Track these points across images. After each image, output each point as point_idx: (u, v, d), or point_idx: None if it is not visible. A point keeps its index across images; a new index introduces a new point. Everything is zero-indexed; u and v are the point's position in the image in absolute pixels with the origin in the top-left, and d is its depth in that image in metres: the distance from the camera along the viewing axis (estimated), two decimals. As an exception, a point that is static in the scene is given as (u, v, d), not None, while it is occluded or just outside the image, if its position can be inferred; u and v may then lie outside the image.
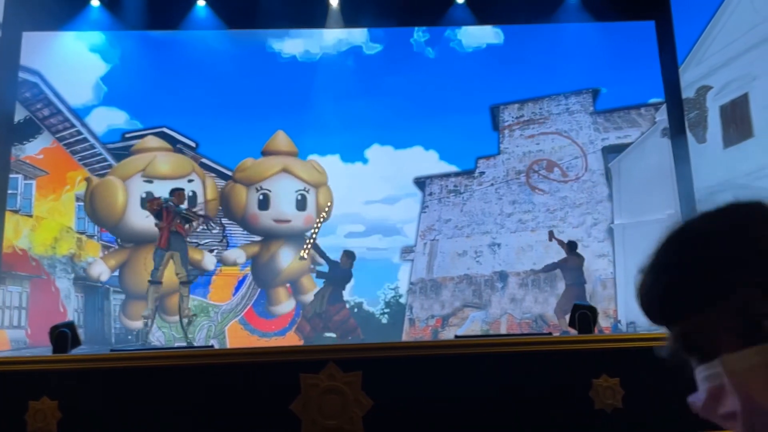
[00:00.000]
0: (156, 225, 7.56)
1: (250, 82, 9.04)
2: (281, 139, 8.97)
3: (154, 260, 7.59)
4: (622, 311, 8.45)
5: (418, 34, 9.19)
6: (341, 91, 8.91)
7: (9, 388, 3.35)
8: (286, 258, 8.79)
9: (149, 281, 7.60)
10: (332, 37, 9.17)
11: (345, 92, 8.91)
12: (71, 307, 8.46)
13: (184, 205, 7.70)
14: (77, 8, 8.84)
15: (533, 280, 8.68)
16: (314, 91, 8.96)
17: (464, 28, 9.15)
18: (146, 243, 8.33)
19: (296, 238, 8.85)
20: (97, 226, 8.73)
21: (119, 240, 8.72)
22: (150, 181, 8.65)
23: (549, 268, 8.63)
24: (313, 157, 8.99)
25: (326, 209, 8.82)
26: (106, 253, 8.67)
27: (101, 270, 8.57)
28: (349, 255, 8.62)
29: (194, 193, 8.71)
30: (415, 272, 8.81)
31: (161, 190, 8.38)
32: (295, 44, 9.17)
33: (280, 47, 9.19)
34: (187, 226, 7.63)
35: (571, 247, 8.59)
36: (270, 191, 8.83)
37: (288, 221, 8.86)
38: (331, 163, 8.95)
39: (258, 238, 8.86)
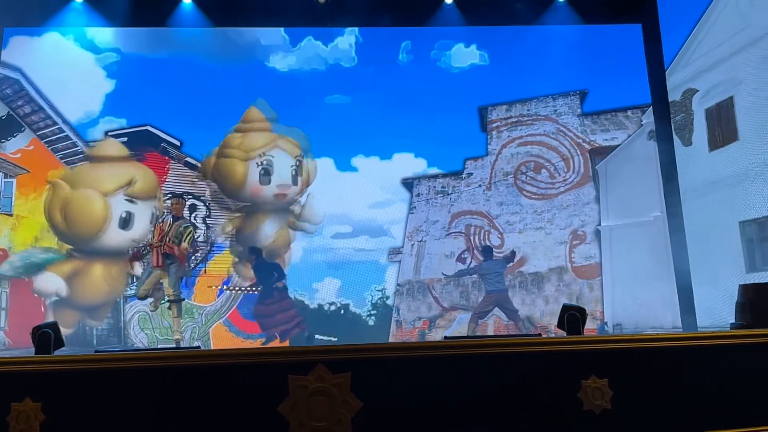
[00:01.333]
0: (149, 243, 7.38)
1: (237, 84, 9.00)
2: (255, 114, 8.96)
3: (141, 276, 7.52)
4: (609, 313, 8.51)
5: (403, 55, 9.20)
6: (331, 100, 8.99)
7: (-10, 389, 3.28)
8: (270, 230, 8.79)
9: (137, 297, 7.54)
10: (322, 54, 9.17)
11: (334, 101, 8.99)
12: (51, 308, 8.35)
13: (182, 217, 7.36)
14: (60, 4, 8.74)
15: (521, 282, 8.71)
16: (305, 99, 8.98)
17: (451, 50, 9.17)
18: (104, 256, 8.31)
19: (281, 211, 8.86)
20: (59, 236, 8.49)
21: (70, 249, 8.52)
22: (132, 201, 8.50)
23: (461, 274, 8.69)
24: (306, 160, 8.96)
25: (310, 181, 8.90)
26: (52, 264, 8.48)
27: (57, 285, 8.36)
28: (252, 251, 8.67)
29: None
30: (402, 273, 8.81)
31: (142, 209, 8.37)
32: (288, 57, 9.16)
33: (270, 56, 9.16)
34: (182, 245, 7.29)
35: (485, 253, 8.65)
36: (273, 160, 8.83)
37: (287, 192, 8.88)
38: (321, 166, 8.94)
39: (236, 214, 8.83)
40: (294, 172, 8.90)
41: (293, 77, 9.12)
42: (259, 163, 8.80)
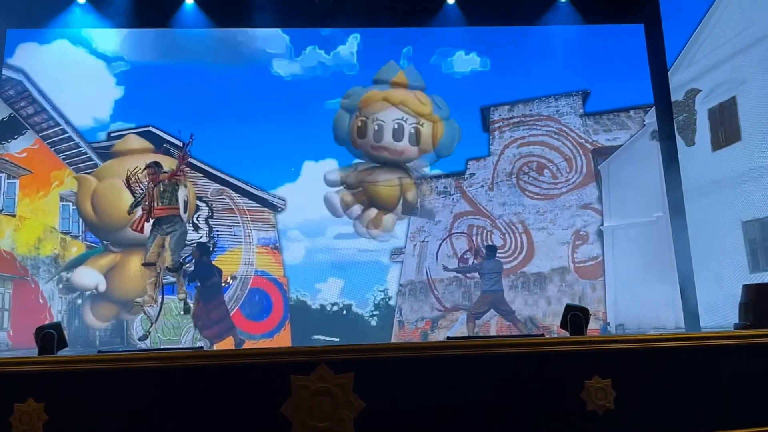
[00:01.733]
0: (143, 209, 7.37)
1: (239, 88, 9.01)
2: (392, 69, 9.15)
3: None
4: (611, 313, 8.50)
5: (404, 61, 9.22)
6: (329, 104, 9.04)
7: (-7, 390, 3.29)
8: (381, 177, 8.95)
9: (142, 264, 7.53)
10: (324, 61, 9.20)
11: (336, 105, 9.05)
12: (55, 309, 8.37)
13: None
14: (62, 5, 8.75)
15: (523, 282, 8.71)
16: (304, 104, 8.99)
17: (453, 56, 9.19)
18: (139, 248, 8.29)
19: (392, 165, 9.00)
20: (90, 228, 8.61)
21: (106, 243, 8.60)
22: None
23: (463, 270, 8.73)
24: (309, 163, 8.96)
25: (438, 142, 9.00)
26: (90, 259, 8.55)
27: (96, 279, 8.46)
28: (199, 247, 8.52)
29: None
30: (404, 274, 8.81)
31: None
32: (292, 65, 9.19)
33: (274, 62, 9.18)
34: (164, 202, 7.19)
35: (489, 251, 8.63)
36: (367, 119, 9.01)
37: (384, 149, 8.98)
38: (325, 168, 8.95)
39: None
40: (393, 136, 8.96)
41: (296, 83, 9.14)
42: (357, 114, 9.02)
